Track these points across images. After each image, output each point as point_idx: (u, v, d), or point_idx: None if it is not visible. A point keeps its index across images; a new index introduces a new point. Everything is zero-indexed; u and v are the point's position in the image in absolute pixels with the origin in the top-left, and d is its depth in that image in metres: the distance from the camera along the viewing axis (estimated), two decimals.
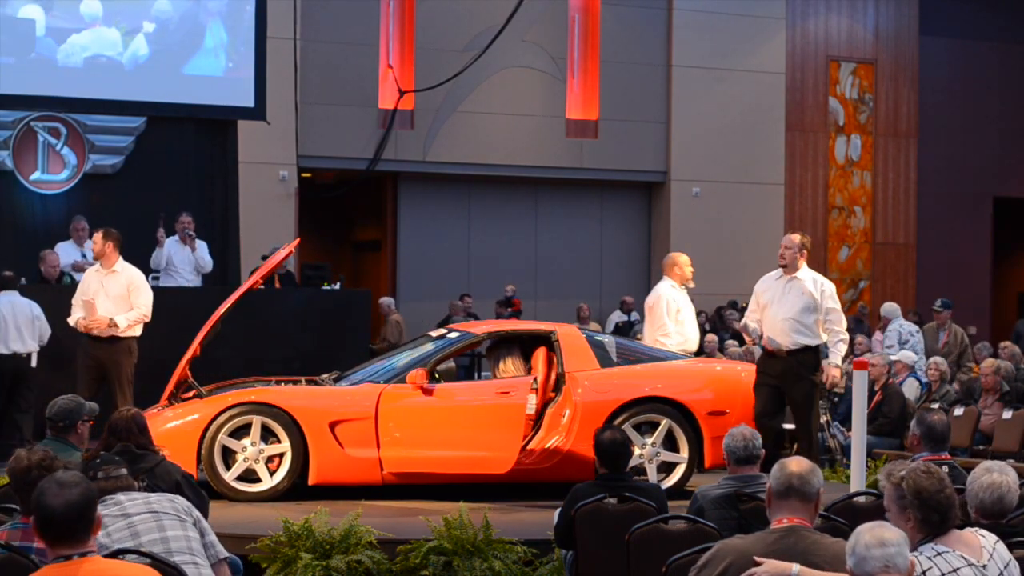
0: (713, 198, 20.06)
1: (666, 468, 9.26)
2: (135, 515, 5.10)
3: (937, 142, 21.87)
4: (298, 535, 7.42)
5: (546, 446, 9.22)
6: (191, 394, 9.45)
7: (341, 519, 7.58)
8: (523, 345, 9.83)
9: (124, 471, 5.39)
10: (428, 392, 9.13)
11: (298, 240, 10.93)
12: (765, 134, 20.51)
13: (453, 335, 9.94)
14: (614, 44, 19.42)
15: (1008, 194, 22.58)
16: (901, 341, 14.72)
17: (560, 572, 7.28)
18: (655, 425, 9.27)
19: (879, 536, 3.83)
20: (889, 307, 15.62)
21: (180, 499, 5.35)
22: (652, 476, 9.08)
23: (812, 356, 9.41)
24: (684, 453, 9.25)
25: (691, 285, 10.67)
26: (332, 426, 9.01)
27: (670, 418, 9.25)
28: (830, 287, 9.53)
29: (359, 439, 9.03)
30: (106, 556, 4.76)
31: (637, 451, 8.97)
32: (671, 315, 10.47)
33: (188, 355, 9.45)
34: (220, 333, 9.89)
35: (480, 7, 18.72)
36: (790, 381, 9.35)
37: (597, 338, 9.91)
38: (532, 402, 9.19)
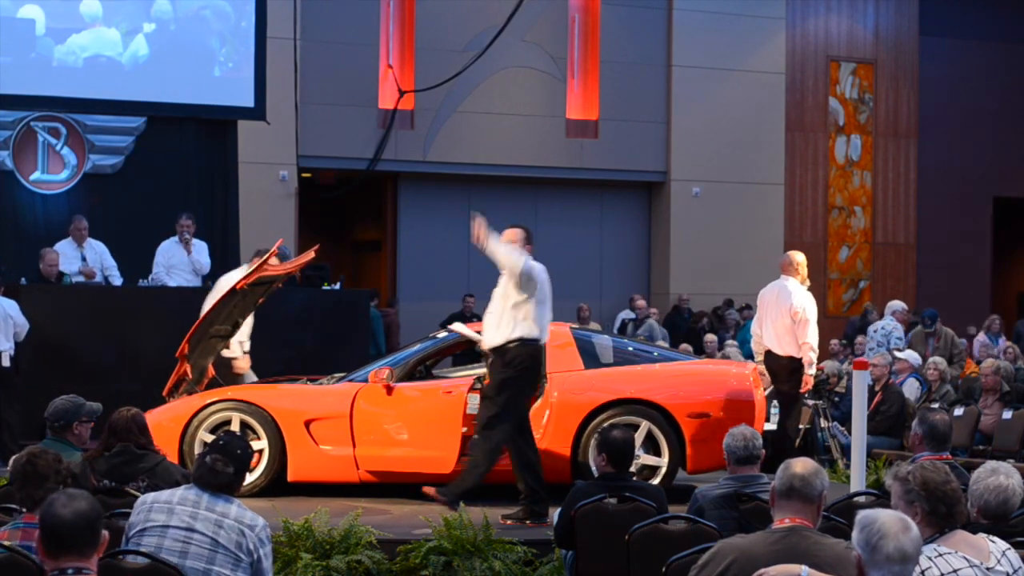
0: (713, 198, 20.04)
1: (648, 472, 9.05)
2: (197, 533, 4.97)
3: (937, 142, 21.85)
4: (298, 535, 7.42)
5: None
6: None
7: (341, 519, 7.58)
8: None
9: (232, 471, 5.09)
10: (390, 391, 9.18)
11: (281, 240, 10.92)
12: (765, 134, 20.49)
13: (441, 335, 9.99)
14: (614, 44, 19.42)
15: (1008, 194, 22.56)
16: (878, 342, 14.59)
17: (560, 572, 7.28)
18: (636, 428, 9.18)
19: (902, 551, 3.74)
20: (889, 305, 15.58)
21: (253, 534, 5.02)
22: None
23: (508, 351, 8.41)
24: (665, 457, 9.10)
25: (808, 284, 10.22)
26: (307, 424, 9.08)
27: (650, 420, 9.10)
28: (526, 267, 8.66)
29: (333, 437, 9.11)
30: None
31: None
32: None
33: (178, 353, 9.51)
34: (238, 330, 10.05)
35: (480, 7, 18.71)
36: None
37: (592, 338, 9.86)
38: (474, 401, 9.13)
